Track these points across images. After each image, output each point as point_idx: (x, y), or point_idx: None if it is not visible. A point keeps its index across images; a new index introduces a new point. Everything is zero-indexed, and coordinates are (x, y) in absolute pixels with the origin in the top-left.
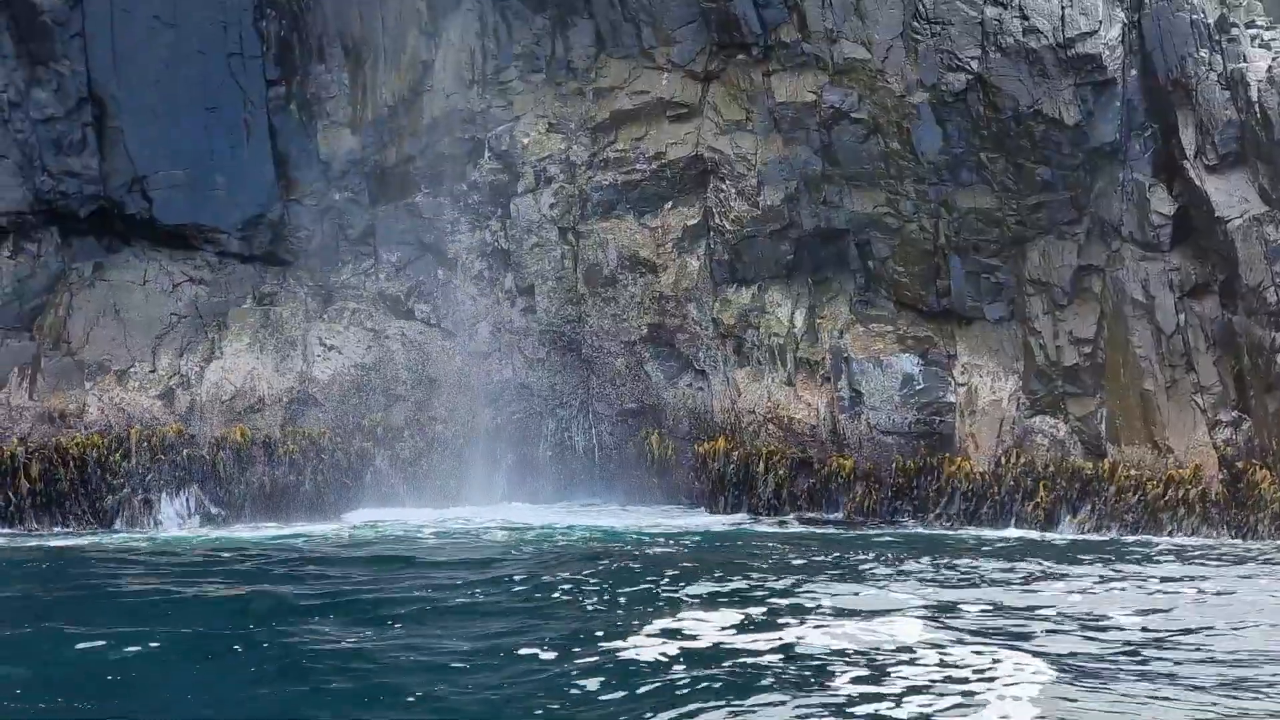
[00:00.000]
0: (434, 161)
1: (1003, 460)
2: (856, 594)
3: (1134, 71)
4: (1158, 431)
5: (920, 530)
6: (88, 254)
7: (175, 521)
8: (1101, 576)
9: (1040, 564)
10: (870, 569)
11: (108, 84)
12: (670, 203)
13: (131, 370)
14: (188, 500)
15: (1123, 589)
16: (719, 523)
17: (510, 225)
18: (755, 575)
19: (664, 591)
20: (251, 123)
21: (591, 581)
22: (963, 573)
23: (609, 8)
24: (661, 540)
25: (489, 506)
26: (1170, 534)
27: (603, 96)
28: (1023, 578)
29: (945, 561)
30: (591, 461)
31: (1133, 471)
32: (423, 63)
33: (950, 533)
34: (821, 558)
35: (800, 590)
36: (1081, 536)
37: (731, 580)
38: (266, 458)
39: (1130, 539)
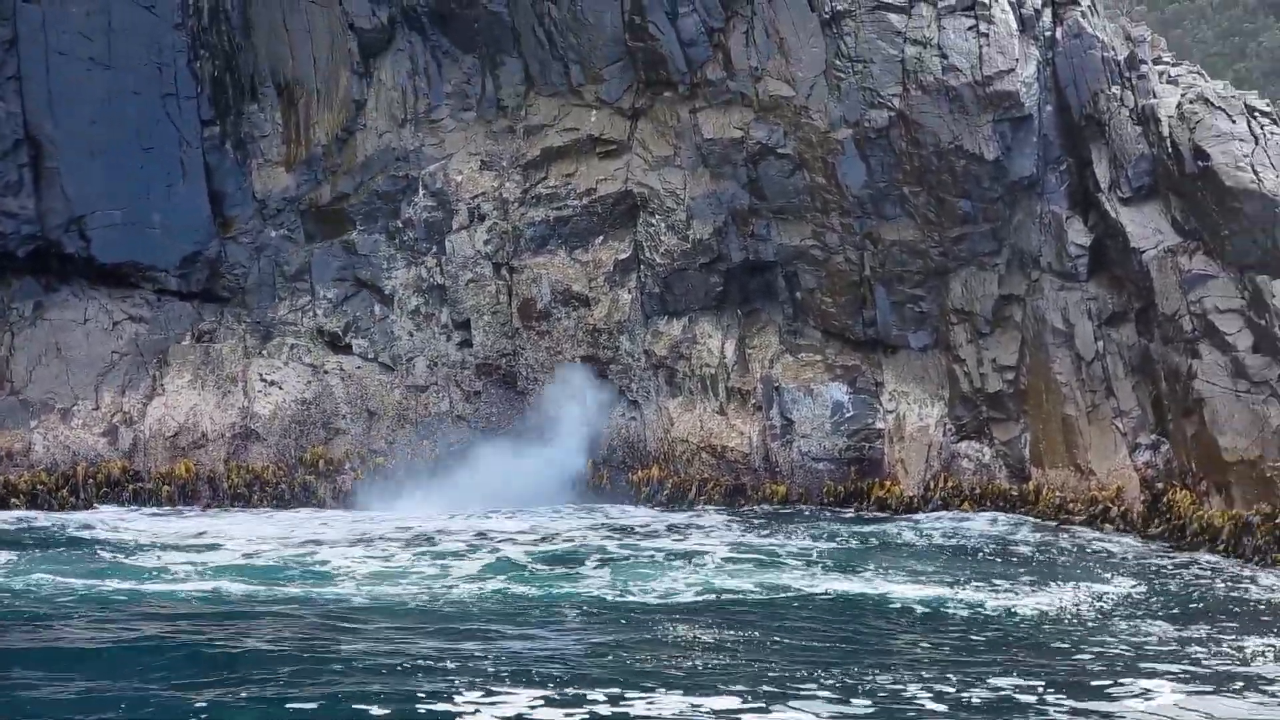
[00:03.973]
0: (368, 199)
1: (931, 484)
2: None
3: (1049, 107)
4: (1080, 455)
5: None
6: (27, 294)
7: None
8: None
9: None
10: None
11: (44, 125)
12: (601, 237)
13: (75, 408)
14: None
15: None
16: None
17: (446, 261)
18: None
19: None
20: (187, 162)
21: None
22: None
23: (538, 47)
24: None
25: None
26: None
27: (533, 134)
28: None
29: None
30: None
31: (1057, 493)
32: (355, 102)
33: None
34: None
35: None
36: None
37: None
38: (211, 492)
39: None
